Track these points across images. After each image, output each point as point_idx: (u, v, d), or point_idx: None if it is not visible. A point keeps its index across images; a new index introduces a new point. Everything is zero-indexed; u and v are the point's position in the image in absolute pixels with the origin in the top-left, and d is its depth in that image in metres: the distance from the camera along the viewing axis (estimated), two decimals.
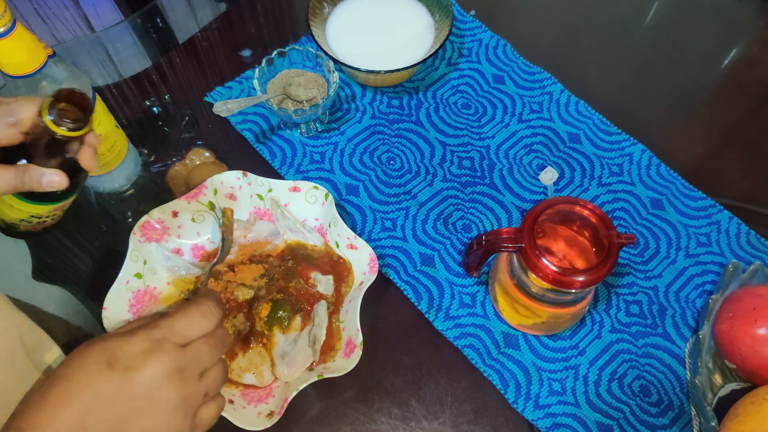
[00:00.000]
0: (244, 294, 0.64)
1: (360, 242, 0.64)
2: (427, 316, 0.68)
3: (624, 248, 0.70)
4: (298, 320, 0.63)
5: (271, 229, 0.69)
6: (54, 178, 0.49)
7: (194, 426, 0.43)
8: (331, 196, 0.66)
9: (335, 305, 0.65)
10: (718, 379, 0.64)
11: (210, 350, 0.45)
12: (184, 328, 0.44)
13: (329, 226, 0.67)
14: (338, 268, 0.67)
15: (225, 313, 0.54)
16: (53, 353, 0.55)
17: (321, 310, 0.64)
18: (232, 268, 0.65)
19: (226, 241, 0.65)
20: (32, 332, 0.54)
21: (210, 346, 0.45)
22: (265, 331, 0.63)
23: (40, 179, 0.49)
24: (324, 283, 0.65)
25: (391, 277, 0.70)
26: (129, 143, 0.73)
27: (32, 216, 0.56)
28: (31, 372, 0.52)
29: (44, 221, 0.57)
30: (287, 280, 0.64)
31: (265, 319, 0.63)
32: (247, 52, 0.85)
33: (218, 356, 0.46)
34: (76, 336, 0.65)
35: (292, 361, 0.61)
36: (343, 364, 0.60)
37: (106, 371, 0.40)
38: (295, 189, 0.68)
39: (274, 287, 0.64)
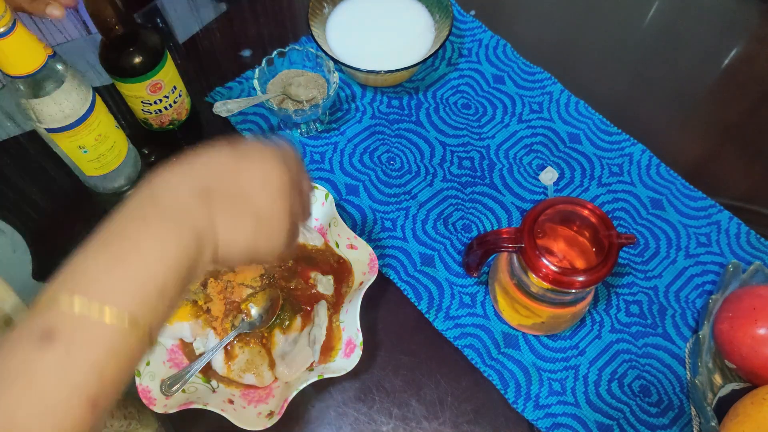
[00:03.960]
0: (244, 294, 0.64)
1: (360, 242, 0.64)
2: (427, 316, 0.68)
3: (624, 248, 0.70)
4: (298, 320, 0.63)
5: None
6: (55, 12, 0.58)
7: (291, 241, 0.45)
8: (331, 196, 0.66)
9: (335, 305, 0.65)
10: (718, 379, 0.64)
11: (297, 158, 0.47)
12: (284, 154, 0.47)
13: (329, 226, 0.67)
14: (338, 269, 0.67)
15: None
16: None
17: (321, 310, 0.64)
18: (232, 268, 0.65)
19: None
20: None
21: (297, 154, 0.48)
22: (265, 333, 0.63)
23: (44, 8, 0.58)
24: (324, 283, 0.65)
25: (391, 277, 0.70)
26: (129, 143, 0.73)
27: (143, 102, 0.71)
28: None
29: (160, 111, 0.73)
30: (287, 280, 0.64)
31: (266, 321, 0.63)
32: (247, 52, 0.85)
33: (311, 186, 0.49)
34: None
35: (292, 361, 0.61)
36: (343, 364, 0.60)
37: (230, 151, 0.43)
38: None
39: (275, 287, 0.64)
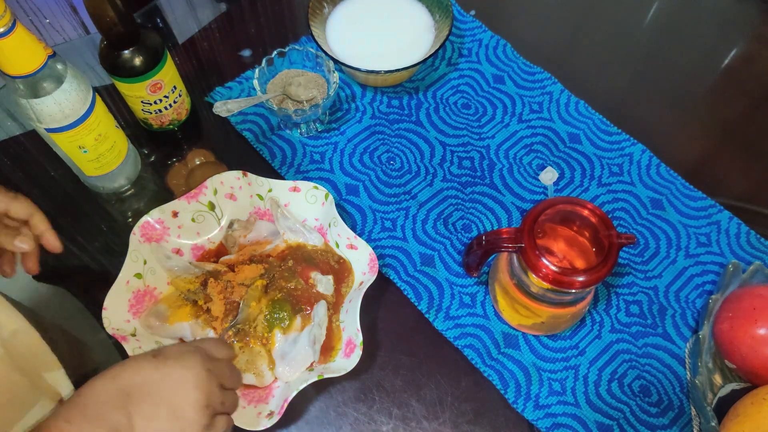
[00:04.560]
0: (244, 294, 0.64)
1: (360, 242, 0.64)
2: (427, 316, 0.68)
3: (624, 248, 0.70)
4: (298, 320, 0.63)
5: (271, 229, 0.69)
6: (23, 246, 0.59)
7: (210, 426, 0.51)
8: (331, 196, 0.66)
9: (335, 305, 0.65)
10: (718, 379, 0.64)
11: (230, 372, 0.55)
12: (211, 347, 0.55)
13: (329, 226, 0.67)
14: (338, 269, 0.67)
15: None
16: (53, 369, 0.57)
17: (321, 310, 0.64)
18: (232, 268, 0.65)
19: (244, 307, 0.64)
20: (27, 336, 0.55)
21: (230, 369, 0.55)
22: (266, 333, 0.62)
23: (12, 241, 0.59)
24: (324, 283, 0.65)
25: (391, 277, 0.70)
26: (129, 143, 0.73)
27: (143, 102, 0.71)
28: (12, 377, 0.53)
29: (160, 111, 0.73)
30: (287, 280, 0.64)
31: (266, 319, 0.63)
32: (247, 52, 0.85)
33: (235, 382, 0.55)
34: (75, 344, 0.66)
35: (292, 361, 0.61)
36: (343, 364, 0.59)
37: (152, 359, 0.50)
38: (295, 189, 0.68)
39: (275, 287, 0.64)
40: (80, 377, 0.62)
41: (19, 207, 0.59)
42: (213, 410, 0.51)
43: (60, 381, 0.57)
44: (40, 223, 0.60)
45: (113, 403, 0.47)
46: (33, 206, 0.60)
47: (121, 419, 0.46)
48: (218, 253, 0.68)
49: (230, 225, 0.68)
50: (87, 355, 0.66)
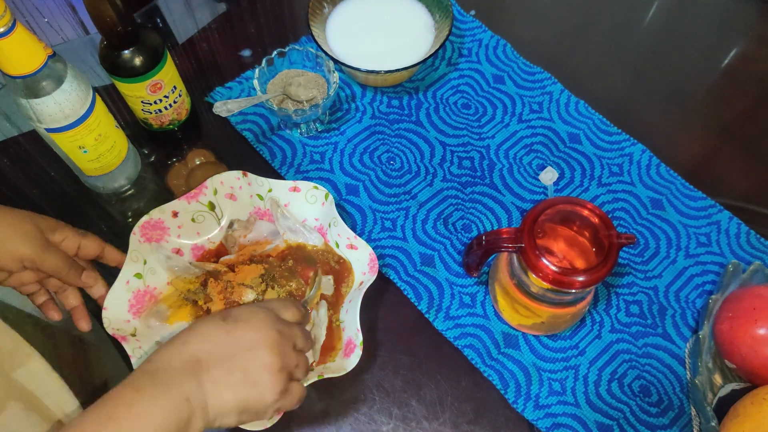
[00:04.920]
0: (245, 294, 0.63)
1: (360, 242, 0.64)
2: (427, 316, 0.68)
3: (624, 248, 0.70)
4: None
5: (271, 229, 0.68)
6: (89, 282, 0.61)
7: (285, 391, 0.49)
8: (331, 196, 0.66)
9: (335, 305, 0.65)
10: (718, 379, 0.64)
11: (301, 334, 0.52)
12: (281, 308, 0.53)
13: (329, 226, 0.67)
14: (339, 269, 0.67)
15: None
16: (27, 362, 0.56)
17: (321, 310, 0.64)
18: (232, 268, 0.65)
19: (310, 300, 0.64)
20: (4, 336, 0.55)
21: (301, 329, 0.53)
22: None
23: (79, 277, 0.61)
24: (324, 283, 0.65)
25: (391, 277, 0.70)
26: (129, 143, 0.73)
27: (143, 102, 0.70)
28: None
29: (160, 111, 0.72)
30: (287, 279, 0.64)
31: None
32: (247, 52, 0.85)
33: (307, 343, 0.53)
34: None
35: None
36: (343, 364, 0.59)
37: (221, 322, 0.49)
38: (295, 189, 0.68)
39: (275, 287, 0.64)
40: (85, 382, 0.62)
41: (90, 244, 0.60)
42: (288, 374, 0.49)
43: (35, 372, 0.55)
44: (112, 253, 0.62)
45: (184, 370, 0.45)
46: (101, 241, 0.61)
47: (192, 387, 0.45)
48: (218, 253, 0.68)
49: (230, 225, 0.68)
50: (92, 357, 0.66)
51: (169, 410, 0.43)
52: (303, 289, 0.65)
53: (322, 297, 0.65)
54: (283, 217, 0.67)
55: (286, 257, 0.67)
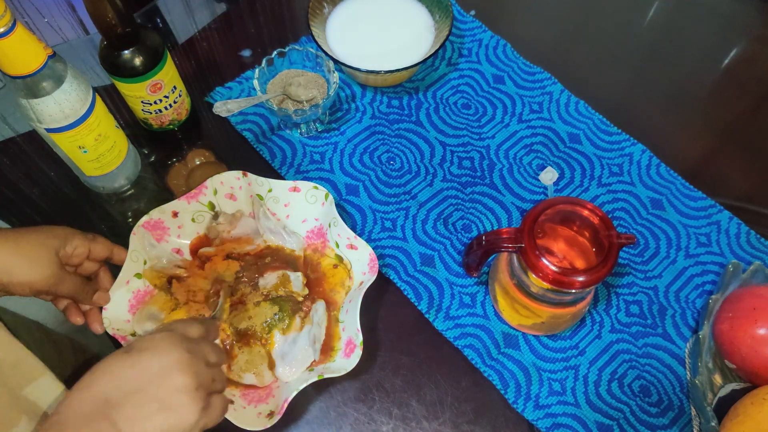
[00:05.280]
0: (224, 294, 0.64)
1: (360, 242, 0.64)
2: (427, 316, 0.68)
3: (624, 248, 0.70)
4: (297, 320, 0.63)
5: (254, 227, 0.68)
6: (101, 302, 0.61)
7: (207, 407, 0.47)
8: (331, 196, 0.66)
9: (335, 305, 0.65)
10: (718, 379, 0.64)
11: (211, 348, 0.50)
12: (184, 327, 0.50)
13: (329, 226, 0.67)
14: (312, 278, 0.67)
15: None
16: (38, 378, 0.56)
17: (320, 308, 0.64)
18: (204, 262, 0.66)
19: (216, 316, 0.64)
20: (9, 348, 0.55)
21: (210, 344, 0.51)
22: (265, 334, 0.62)
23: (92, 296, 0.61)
24: (293, 281, 0.65)
25: (391, 277, 0.70)
26: (129, 143, 0.73)
27: (143, 102, 0.71)
28: None
29: (160, 111, 0.72)
30: (260, 271, 0.65)
31: (266, 322, 0.63)
32: (247, 52, 0.85)
33: (219, 357, 0.51)
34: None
35: (293, 360, 0.61)
36: (343, 364, 0.59)
37: (124, 356, 0.46)
38: (295, 189, 0.68)
39: (251, 283, 0.64)
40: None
41: (100, 247, 0.60)
42: (206, 390, 0.47)
43: (46, 389, 0.55)
44: (121, 254, 0.63)
45: (93, 414, 0.43)
46: (110, 243, 0.62)
47: (105, 427, 0.43)
48: (201, 244, 0.68)
49: (215, 216, 0.68)
50: (94, 363, 0.66)
51: None
52: (288, 283, 0.65)
53: (293, 296, 0.65)
54: (264, 217, 0.67)
55: (265, 256, 0.67)
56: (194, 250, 0.68)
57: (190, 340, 0.49)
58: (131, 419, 0.44)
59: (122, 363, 0.46)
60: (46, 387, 0.55)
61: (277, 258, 0.67)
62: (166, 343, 0.47)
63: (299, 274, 0.66)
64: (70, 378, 0.58)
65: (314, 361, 0.62)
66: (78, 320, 0.61)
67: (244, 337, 0.63)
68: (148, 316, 0.63)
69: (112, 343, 0.64)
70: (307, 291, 0.65)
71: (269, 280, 0.65)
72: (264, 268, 0.66)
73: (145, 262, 0.64)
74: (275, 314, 0.63)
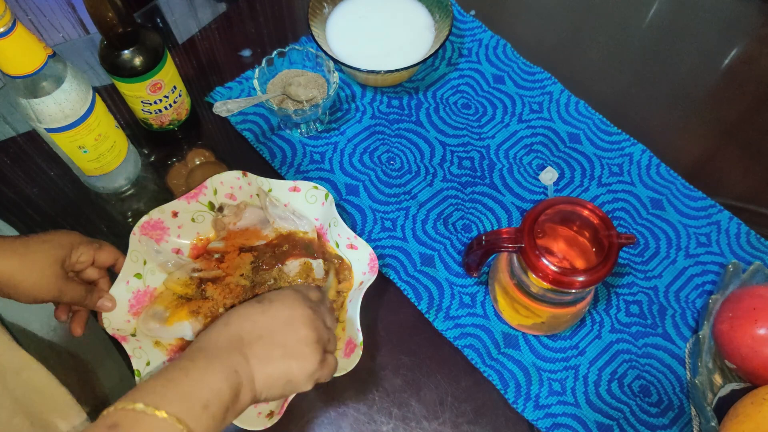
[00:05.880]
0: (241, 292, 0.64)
1: (360, 242, 0.64)
2: (427, 316, 0.68)
3: (624, 248, 0.70)
4: None
5: (261, 216, 0.68)
6: (107, 304, 0.62)
7: (323, 361, 0.51)
8: (331, 196, 0.66)
9: (336, 306, 0.65)
10: (718, 379, 0.64)
11: (327, 311, 0.56)
12: (308, 290, 0.56)
13: (329, 226, 0.67)
14: (339, 265, 0.67)
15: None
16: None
17: (318, 268, 0.64)
18: (221, 259, 0.66)
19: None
20: (10, 352, 0.56)
21: (326, 308, 0.57)
22: None
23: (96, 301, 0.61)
24: (315, 268, 0.65)
25: (391, 277, 0.70)
26: (129, 143, 0.73)
27: (143, 102, 0.71)
28: None
29: (160, 111, 0.72)
30: (280, 260, 0.65)
31: None
32: (247, 52, 0.85)
33: (333, 321, 0.56)
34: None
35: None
36: (343, 364, 0.59)
37: (257, 305, 0.52)
38: (295, 189, 0.68)
39: (268, 277, 0.64)
40: (87, 390, 0.62)
41: (105, 255, 0.61)
42: (323, 346, 0.52)
43: (43, 390, 0.56)
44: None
45: (230, 346, 0.48)
46: (116, 251, 0.62)
47: (239, 360, 0.48)
48: (208, 242, 0.68)
49: (220, 209, 0.68)
50: (93, 367, 0.66)
51: (221, 377, 0.46)
52: (311, 272, 0.65)
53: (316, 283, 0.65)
54: (271, 205, 0.67)
55: (281, 245, 0.66)
56: (197, 255, 0.68)
57: (312, 301, 0.54)
58: (260, 358, 0.49)
59: (254, 309, 0.51)
60: (41, 386, 0.55)
61: (294, 244, 0.66)
62: (293, 299, 0.52)
63: (320, 261, 0.65)
64: (70, 383, 0.58)
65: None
66: (63, 317, 0.61)
67: None
68: (153, 315, 0.63)
69: (112, 345, 0.64)
70: (331, 278, 0.65)
71: (291, 267, 0.65)
72: (283, 257, 0.65)
73: (145, 262, 0.64)
74: None
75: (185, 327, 0.63)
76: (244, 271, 0.65)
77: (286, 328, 0.50)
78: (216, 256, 0.67)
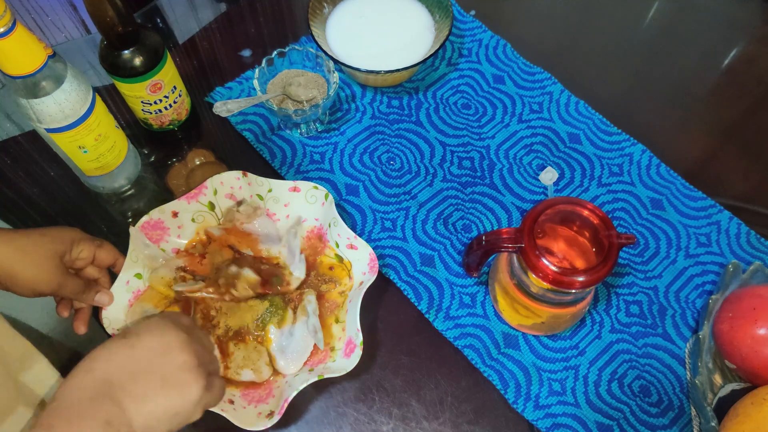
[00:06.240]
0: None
1: (360, 242, 0.64)
2: (427, 316, 0.68)
3: (624, 248, 0.70)
4: (289, 312, 0.63)
5: (269, 230, 0.68)
6: (104, 299, 0.61)
7: (209, 385, 0.47)
8: (331, 196, 0.66)
9: (337, 307, 0.65)
10: (718, 379, 0.64)
11: (201, 332, 0.52)
12: (176, 316, 0.52)
13: (329, 226, 0.67)
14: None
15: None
16: (38, 368, 0.56)
17: (311, 297, 0.64)
18: (203, 255, 0.66)
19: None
20: (14, 342, 0.55)
21: (200, 330, 0.52)
22: (259, 331, 0.62)
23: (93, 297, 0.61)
24: (297, 266, 0.65)
25: (391, 277, 0.70)
26: (129, 143, 0.73)
27: (143, 102, 0.70)
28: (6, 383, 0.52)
29: (160, 111, 0.72)
30: (250, 265, 0.65)
31: (258, 319, 0.63)
32: (247, 52, 0.85)
33: (209, 342, 0.53)
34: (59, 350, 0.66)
35: (293, 353, 0.62)
36: (343, 364, 0.59)
37: (122, 340, 0.47)
38: (295, 189, 0.68)
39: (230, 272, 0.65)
40: None
41: (105, 254, 0.60)
42: (206, 369, 0.48)
43: (42, 375, 0.55)
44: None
45: (96, 395, 0.43)
46: (116, 251, 0.62)
47: (110, 410, 0.43)
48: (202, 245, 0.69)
49: (239, 203, 0.68)
50: None
51: None
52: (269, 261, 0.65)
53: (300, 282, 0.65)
54: (293, 237, 0.67)
55: (261, 261, 0.67)
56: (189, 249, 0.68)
57: (184, 325, 0.50)
58: (136, 398, 0.44)
59: (122, 346, 0.46)
60: (43, 375, 0.55)
61: (269, 270, 0.66)
62: (162, 326, 0.48)
63: (302, 255, 0.66)
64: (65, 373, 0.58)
65: (319, 350, 0.62)
66: (65, 313, 0.61)
67: (237, 335, 0.63)
68: (142, 312, 0.63)
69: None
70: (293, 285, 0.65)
71: (248, 273, 0.64)
72: (253, 264, 0.65)
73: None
74: (267, 309, 0.63)
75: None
76: (218, 260, 0.65)
77: (161, 358, 0.46)
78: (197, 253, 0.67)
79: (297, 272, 0.66)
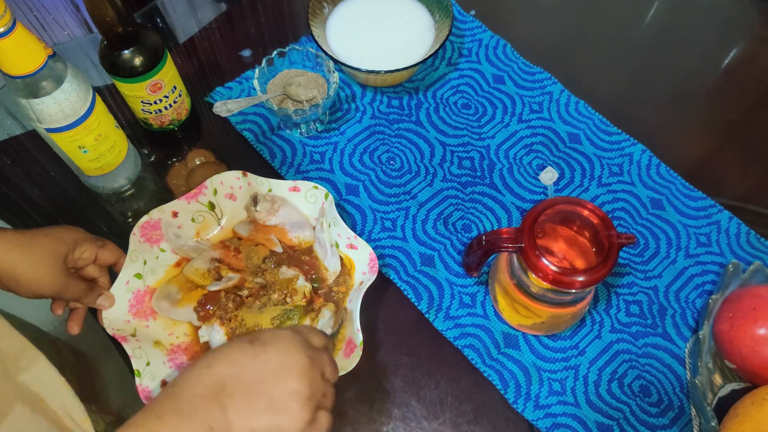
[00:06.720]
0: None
1: (360, 242, 0.64)
2: (427, 316, 0.68)
3: (624, 248, 0.70)
4: (307, 321, 0.63)
5: (296, 218, 0.68)
6: (104, 304, 0.61)
7: (313, 420, 0.46)
8: (331, 196, 0.66)
9: (338, 306, 0.65)
10: (718, 379, 0.64)
11: (329, 361, 0.50)
12: (310, 333, 0.51)
13: (329, 226, 0.67)
14: (337, 299, 0.66)
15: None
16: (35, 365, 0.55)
17: (326, 312, 0.63)
18: (238, 249, 0.66)
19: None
20: (12, 340, 0.55)
21: (329, 357, 0.50)
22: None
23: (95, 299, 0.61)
24: (299, 286, 0.65)
25: (391, 277, 0.70)
26: (129, 143, 0.73)
27: (143, 102, 0.70)
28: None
29: (160, 111, 0.72)
30: (286, 263, 0.65)
31: (276, 318, 0.63)
32: (247, 52, 0.85)
33: (334, 373, 0.50)
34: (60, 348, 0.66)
35: None
36: (343, 364, 0.59)
37: (247, 345, 0.47)
38: (295, 189, 0.68)
39: (276, 272, 0.65)
40: (86, 388, 0.62)
41: (108, 254, 0.60)
42: (316, 403, 0.46)
43: (41, 374, 0.55)
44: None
45: (207, 396, 0.43)
46: (119, 251, 0.62)
47: (215, 414, 0.43)
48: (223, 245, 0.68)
49: (254, 203, 0.67)
50: (92, 365, 0.66)
51: None
52: (313, 273, 0.65)
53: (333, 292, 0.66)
54: (320, 229, 0.66)
55: (295, 251, 0.67)
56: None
57: (313, 348, 0.48)
58: (241, 413, 0.44)
59: (245, 352, 0.46)
60: (41, 374, 0.55)
61: (308, 262, 0.67)
62: (289, 342, 0.47)
63: (308, 285, 0.65)
64: (68, 374, 0.58)
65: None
66: (58, 312, 0.60)
67: (248, 333, 0.63)
68: (166, 295, 0.64)
69: (111, 344, 0.64)
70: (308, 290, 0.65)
71: (284, 271, 0.65)
72: (289, 262, 0.66)
73: (145, 262, 0.64)
74: (286, 313, 0.63)
75: (189, 311, 0.63)
76: (256, 261, 0.65)
77: (276, 378, 0.45)
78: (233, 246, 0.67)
79: (332, 266, 0.66)
